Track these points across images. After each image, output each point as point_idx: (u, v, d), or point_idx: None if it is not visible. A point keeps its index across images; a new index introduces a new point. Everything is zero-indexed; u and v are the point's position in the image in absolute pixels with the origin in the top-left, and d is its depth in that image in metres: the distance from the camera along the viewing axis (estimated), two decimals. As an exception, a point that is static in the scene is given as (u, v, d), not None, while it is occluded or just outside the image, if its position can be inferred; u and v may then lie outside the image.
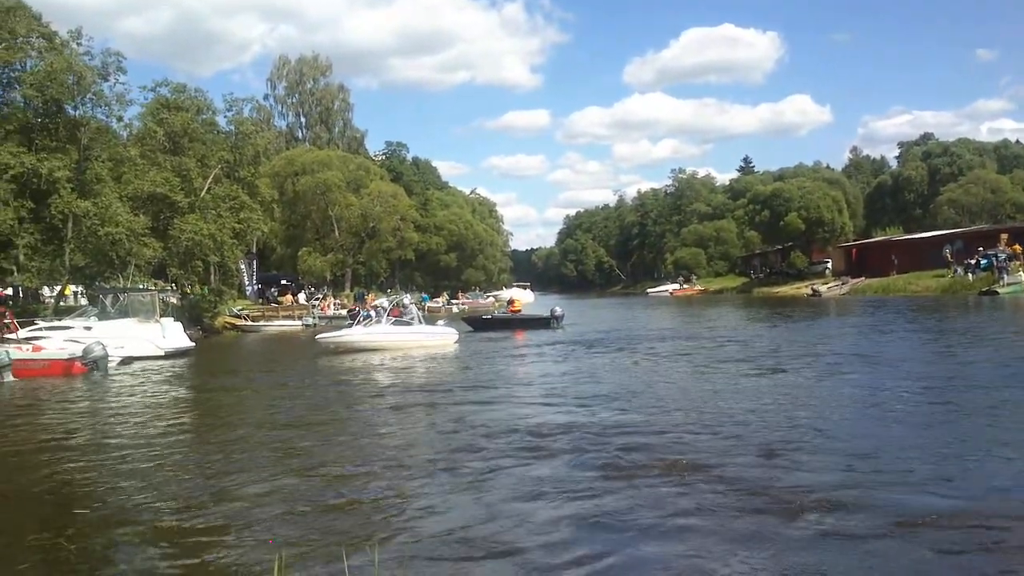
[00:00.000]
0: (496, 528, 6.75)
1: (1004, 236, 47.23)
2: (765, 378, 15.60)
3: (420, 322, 27.55)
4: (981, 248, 47.20)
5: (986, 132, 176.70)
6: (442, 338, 26.53)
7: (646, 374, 17.62)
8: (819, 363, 17.58)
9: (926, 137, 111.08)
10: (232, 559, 6.22)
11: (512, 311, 37.53)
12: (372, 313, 29.97)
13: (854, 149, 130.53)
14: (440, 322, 29.82)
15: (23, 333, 24.52)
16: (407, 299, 32.57)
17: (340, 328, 29.93)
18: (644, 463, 8.74)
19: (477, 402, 14.17)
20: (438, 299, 69.93)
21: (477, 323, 35.55)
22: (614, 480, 8.09)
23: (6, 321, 25.25)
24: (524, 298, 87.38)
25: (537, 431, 10.79)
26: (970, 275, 45.36)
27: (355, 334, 26.28)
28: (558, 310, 35.28)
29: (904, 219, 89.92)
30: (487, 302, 73.24)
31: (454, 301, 69.40)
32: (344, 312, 47.07)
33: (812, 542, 6.07)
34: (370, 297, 52.40)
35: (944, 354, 18.90)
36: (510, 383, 17.29)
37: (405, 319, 27.24)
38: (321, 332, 29.71)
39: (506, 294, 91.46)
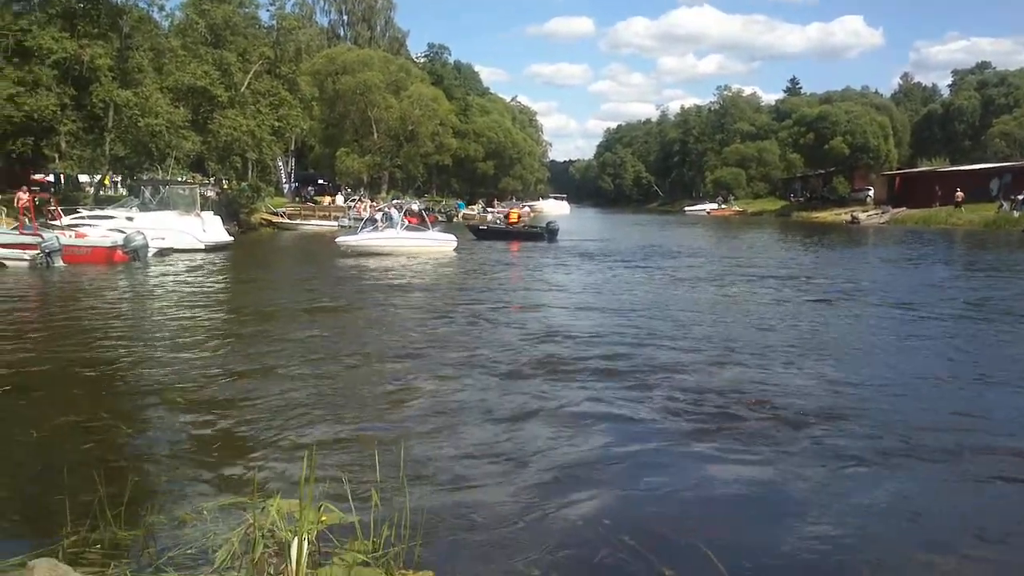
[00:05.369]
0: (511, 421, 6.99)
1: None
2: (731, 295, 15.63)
3: (428, 228, 29.47)
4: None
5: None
6: (443, 244, 28.07)
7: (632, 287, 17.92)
8: (847, 292, 17.52)
9: (982, 66, 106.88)
10: (261, 441, 6.49)
11: (510, 223, 38.57)
12: (378, 217, 31.59)
13: (905, 75, 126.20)
14: (435, 228, 31.19)
15: (66, 220, 25.01)
16: (415, 206, 34.04)
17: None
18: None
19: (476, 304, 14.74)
20: (473, 206, 69.79)
21: (478, 232, 36.82)
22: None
23: (51, 208, 25.72)
24: (560, 210, 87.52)
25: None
26: (1015, 212, 44.37)
27: (368, 238, 27.57)
28: (554, 224, 36.00)
29: (952, 150, 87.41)
30: (523, 212, 72.96)
31: (490, 209, 69.31)
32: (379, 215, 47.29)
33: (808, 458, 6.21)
34: (361, 204, 51.74)
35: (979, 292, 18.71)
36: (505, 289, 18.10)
37: (395, 227, 28.56)
38: (342, 235, 30.56)
39: (543, 205, 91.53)
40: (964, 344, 11.29)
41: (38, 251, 20.20)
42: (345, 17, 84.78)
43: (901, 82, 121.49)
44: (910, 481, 5.86)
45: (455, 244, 28.21)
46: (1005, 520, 5.27)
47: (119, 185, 44.40)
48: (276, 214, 45.26)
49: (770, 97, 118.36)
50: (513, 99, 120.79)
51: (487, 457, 6.22)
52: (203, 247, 26.73)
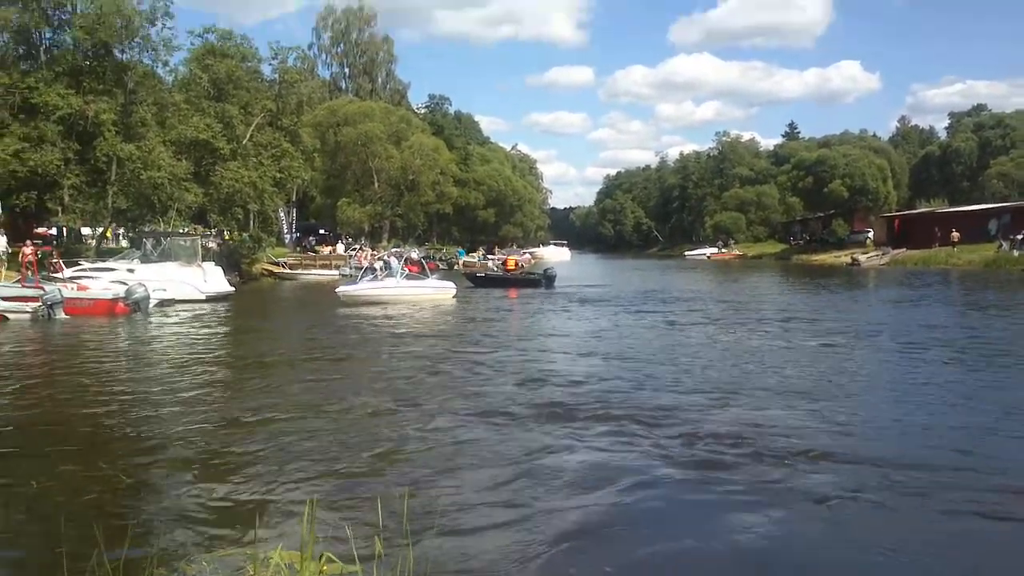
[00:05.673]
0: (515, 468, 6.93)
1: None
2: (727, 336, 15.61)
3: (427, 276, 30.06)
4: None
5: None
6: (442, 291, 28.32)
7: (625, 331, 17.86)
8: (845, 332, 17.51)
9: (979, 108, 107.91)
10: (262, 492, 6.45)
11: (508, 270, 38.79)
12: (377, 266, 32.02)
13: (902, 118, 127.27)
14: (434, 276, 31.45)
15: (68, 273, 25.08)
16: (415, 254, 34.57)
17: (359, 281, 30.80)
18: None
19: (475, 351, 14.80)
20: (474, 254, 69.93)
21: (476, 280, 36.79)
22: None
23: (53, 261, 25.83)
24: (560, 256, 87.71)
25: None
26: (1015, 251, 44.45)
27: (368, 287, 27.65)
28: (552, 271, 35.83)
29: (950, 191, 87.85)
30: (524, 259, 73.11)
31: (490, 256, 69.39)
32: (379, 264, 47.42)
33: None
34: (362, 253, 51.87)
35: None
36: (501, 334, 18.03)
37: (394, 275, 28.84)
38: (342, 284, 30.62)
39: (543, 251, 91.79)
40: (965, 386, 11.26)
41: (40, 304, 20.24)
42: (347, 70, 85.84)
43: (898, 125, 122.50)
44: (910, 525, 5.85)
45: (454, 291, 28.37)
46: (1010, 560, 5.24)
47: (121, 237, 44.62)
48: (277, 264, 45.36)
49: (768, 142, 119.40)
50: (513, 147, 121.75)
51: (489, 505, 6.20)
52: (204, 298, 26.75)
